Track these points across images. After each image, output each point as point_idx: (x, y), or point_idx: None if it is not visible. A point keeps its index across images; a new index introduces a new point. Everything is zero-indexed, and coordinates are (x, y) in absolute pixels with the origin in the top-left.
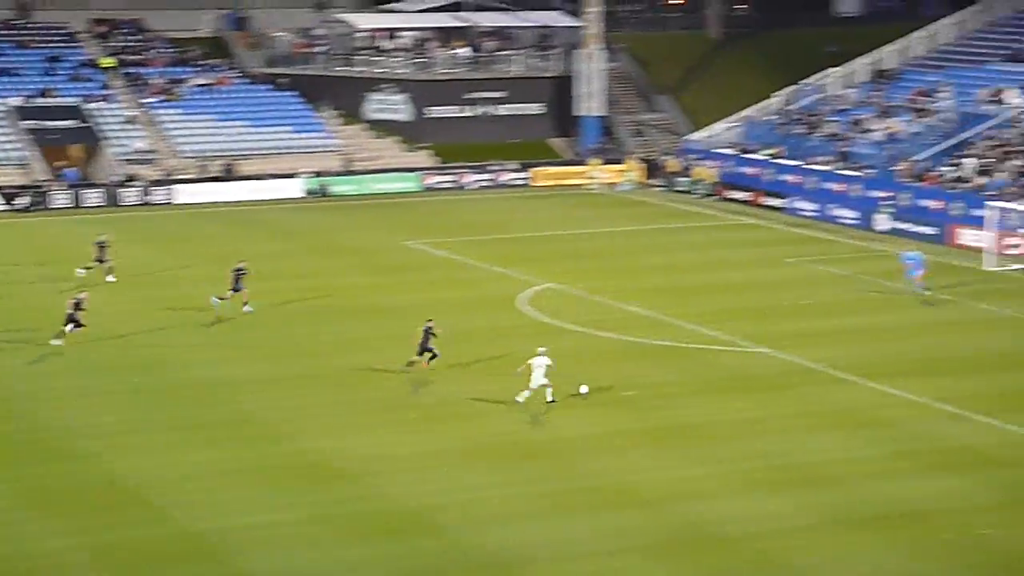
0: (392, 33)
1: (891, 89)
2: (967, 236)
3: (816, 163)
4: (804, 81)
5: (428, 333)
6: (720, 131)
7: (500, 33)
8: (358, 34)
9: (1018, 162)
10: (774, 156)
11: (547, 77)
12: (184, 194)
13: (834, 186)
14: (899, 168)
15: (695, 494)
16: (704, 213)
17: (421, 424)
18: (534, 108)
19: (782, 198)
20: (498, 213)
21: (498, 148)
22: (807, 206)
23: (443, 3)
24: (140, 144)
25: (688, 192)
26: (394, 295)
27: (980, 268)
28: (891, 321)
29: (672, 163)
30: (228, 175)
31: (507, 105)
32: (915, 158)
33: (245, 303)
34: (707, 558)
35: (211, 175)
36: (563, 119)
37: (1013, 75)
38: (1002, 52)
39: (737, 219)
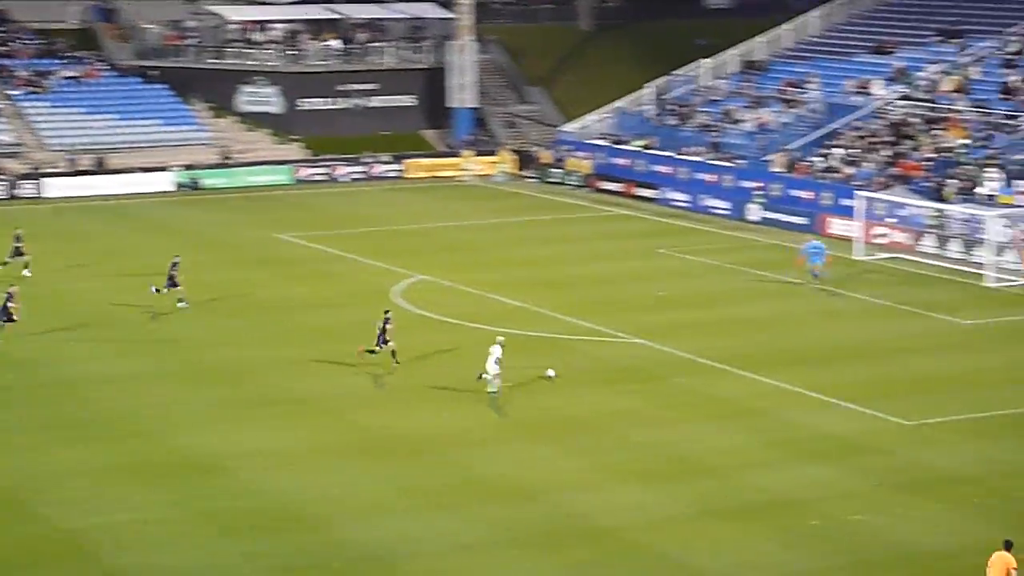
0: (263, 25)
1: (761, 80)
2: (837, 225)
3: (688, 154)
4: (675, 72)
5: (386, 323)
6: (592, 122)
7: (372, 25)
8: (229, 26)
9: (885, 152)
10: (646, 147)
11: (419, 69)
12: (53, 188)
13: (706, 176)
14: (772, 158)
15: (571, 486)
16: (577, 204)
17: (295, 419)
18: (406, 100)
19: (654, 189)
20: (371, 206)
21: (371, 140)
22: (679, 197)
23: None
24: (6, 137)
25: (561, 183)
26: (266, 289)
27: (850, 257)
28: (763, 311)
29: (545, 154)
30: (99, 168)
31: (379, 97)
32: (785, 148)
33: (180, 300)
34: (583, 550)
35: (81, 168)
36: (436, 111)
37: (878, 67)
38: (868, 44)
39: (610, 210)
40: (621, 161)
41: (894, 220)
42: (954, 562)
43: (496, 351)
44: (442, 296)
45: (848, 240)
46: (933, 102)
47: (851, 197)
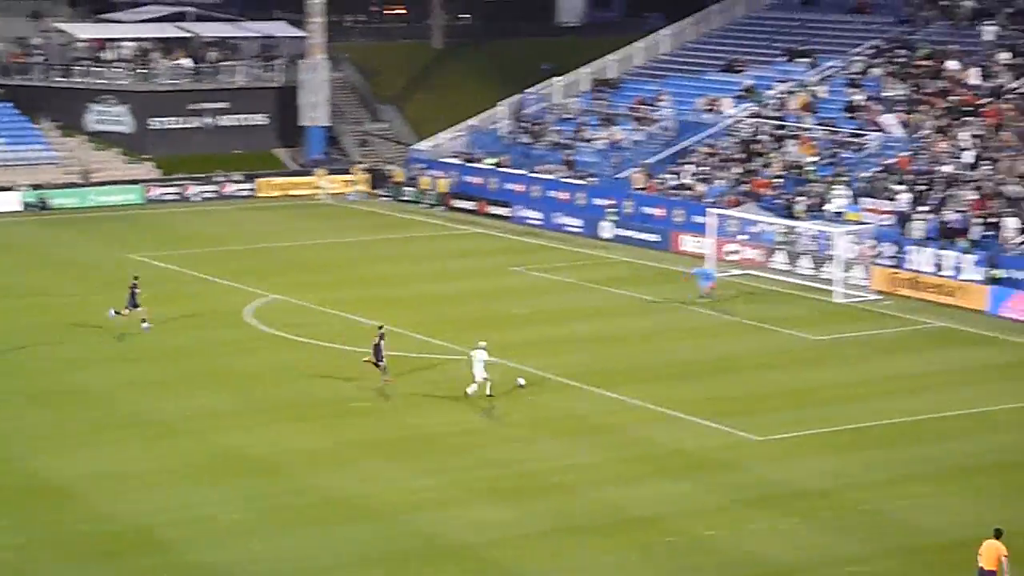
0: (113, 44)
1: (613, 98)
2: (689, 243)
3: (541, 172)
4: (528, 90)
5: (380, 339)
6: (445, 140)
7: (223, 43)
8: (78, 44)
9: (736, 170)
10: (499, 165)
11: (271, 87)
12: None
13: (559, 194)
14: (631, 175)
15: (427, 504)
16: (431, 223)
17: (146, 441)
18: (259, 119)
19: (508, 207)
20: (223, 225)
21: (223, 159)
22: (533, 215)
23: (164, 13)
24: None
25: (415, 202)
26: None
27: None
28: (615, 328)
29: (398, 173)
30: None
31: (231, 116)
32: (638, 166)
33: (144, 320)
34: (439, 568)
35: None
36: (288, 129)
37: (728, 85)
38: (718, 62)
39: (464, 228)
40: (474, 179)
41: (745, 237)
42: (808, 575)
43: (481, 355)
44: (295, 315)
45: (700, 257)
46: (782, 120)
47: (703, 214)
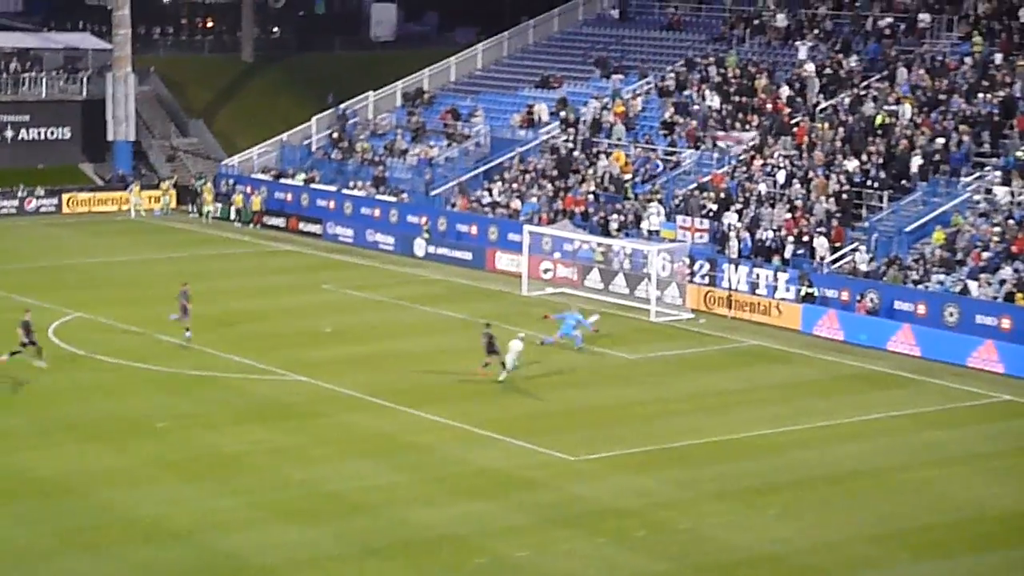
0: None
1: (426, 114)
2: (504, 261)
3: (353, 188)
4: (340, 105)
5: (490, 338)
6: (256, 156)
7: (24, 54)
8: None
9: (550, 187)
10: (310, 181)
11: (76, 100)
12: None
13: (371, 211)
14: (439, 192)
15: (229, 525)
16: (241, 239)
17: None
18: (63, 132)
19: (319, 223)
20: (25, 241)
21: (25, 174)
22: (345, 232)
23: None
24: None
25: (225, 218)
26: None
27: (517, 293)
28: (425, 346)
29: (208, 188)
30: None
31: (34, 129)
32: (451, 183)
33: (187, 329)
34: None
35: None
36: (94, 144)
37: (543, 100)
38: (532, 78)
39: (274, 245)
40: (285, 195)
41: (560, 255)
42: None
43: (517, 346)
44: (99, 333)
45: (515, 275)
46: (597, 136)
47: (517, 232)
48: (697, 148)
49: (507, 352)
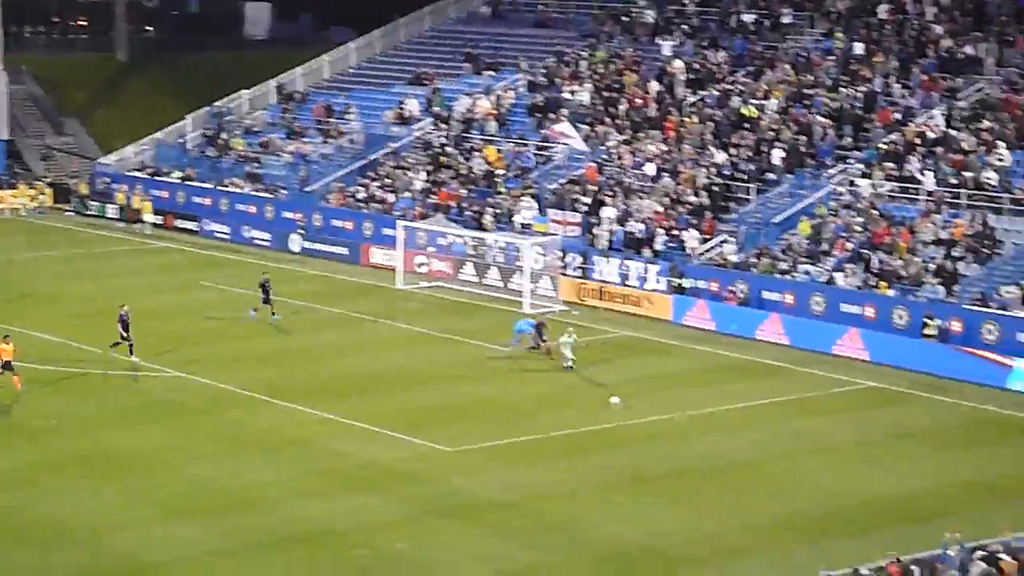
0: None
1: (300, 111)
2: (379, 256)
3: (228, 185)
4: (215, 103)
5: (540, 329)
6: (131, 154)
7: None
8: None
9: (424, 182)
10: (186, 179)
11: None
12: None
13: (247, 208)
14: (315, 189)
15: (118, 523)
16: (118, 238)
17: None
18: None
19: (196, 221)
20: None
21: None
22: (221, 228)
23: None
24: None
25: (101, 216)
26: None
27: (392, 287)
28: (307, 342)
29: (83, 187)
30: None
31: None
32: (327, 179)
33: (273, 312)
34: None
35: None
36: None
37: (416, 97)
38: (405, 75)
39: (151, 243)
40: (161, 193)
41: (434, 249)
42: None
43: (568, 340)
44: None
45: (390, 270)
46: (469, 132)
47: (392, 227)
48: (568, 143)
49: (561, 347)
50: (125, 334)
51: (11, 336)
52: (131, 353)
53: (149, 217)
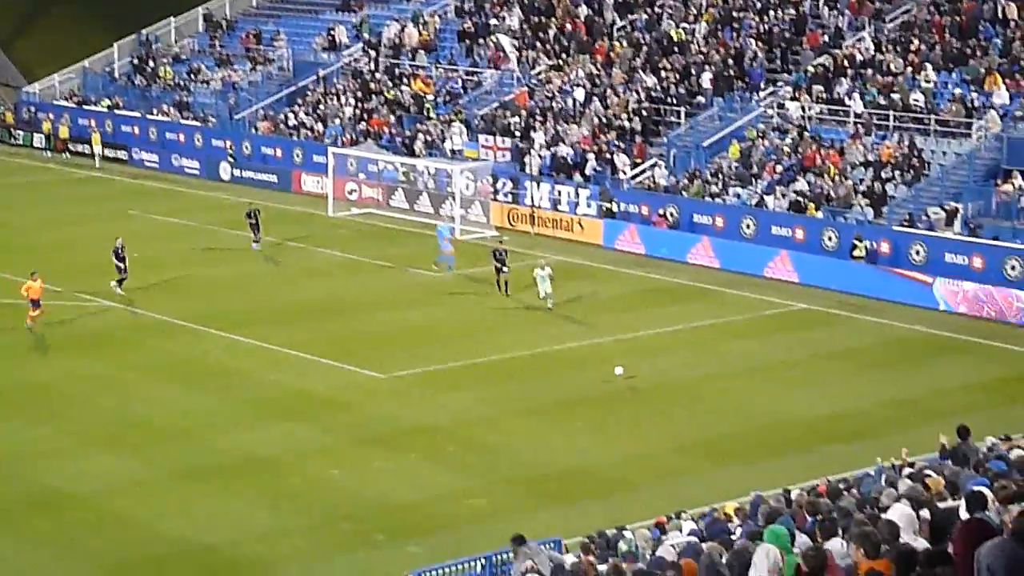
0: None
1: (227, 39)
2: (309, 183)
3: (157, 114)
4: (142, 31)
5: (499, 258)
6: (58, 83)
7: None
8: None
9: (354, 108)
10: (114, 107)
11: None
12: None
13: (176, 136)
14: (244, 117)
15: (41, 455)
16: (47, 167)
17: None
18: None
19: (124, 150)
20: None
21: None
22: (150, 157)
23: None
24: None
25: (27, 146)
26: None
27: (323, 214)
28: (236, 271)
29: (8, 116)
30: None
31: None
32: (256, 107)
33: (256, 241)
34: (57, 517)
35: None
36: None
37: (345, 23)
38: (334, 1)
39: (81, 172)
40: (89, 122)
41: (365, 176)
42: (428, 509)
43: (544, 273)
44: None
45: (321, 197)
46: (399, 58)
47: (322, 154)
48: (498, 68)
49: (536, 282)
50: (121, 266)
51: (38, 273)
52: (119, 285)
53: (98, 149)
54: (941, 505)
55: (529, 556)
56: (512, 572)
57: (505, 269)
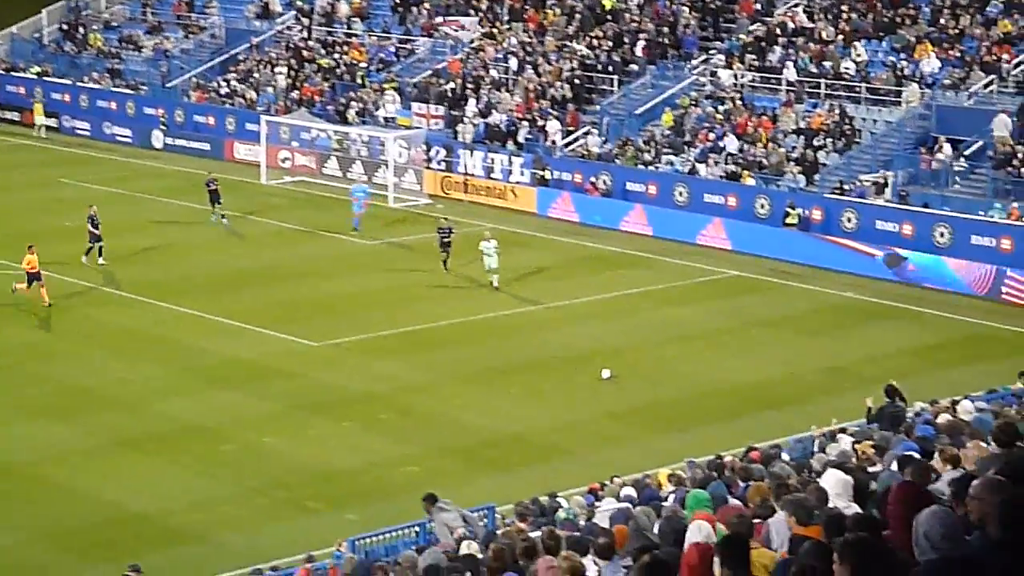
0: None
1: (159, 5)
2: (242, 151)
3: (88, 81)
4: None
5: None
6: None
7: None
8: None
9: (287, 76)
10: (43, 74)
11: None
12: None
13: (108, 104)
14: (176, 84)
15: None
16: None
17: None
18: None
19: (55, 117)
20: None
21: None
22: (81, 125)
23: None
24: None
25: None
26: None
27: (257, 182)
28: (168, 239)
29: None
30: None
31: None
32: (188, 74)
33: (216, 214)
34: None
35: None
36: None
37: None
38: None
39: (10, 140)
40: (18, 89)
41: (298, 144)
42: (364, 477)
43: (489, 246)
44: None
45: (254, 165)
46: (331, 26)
47: (255, 122)
48: (431, 36)
49: (483, 256)
50: (96, 233)
51: (35, 246)
52: (100, 254)
53: (41, 119)
54: (871, 470)
55: (444, 510)
56: (431, 528)
57: (449, 248)
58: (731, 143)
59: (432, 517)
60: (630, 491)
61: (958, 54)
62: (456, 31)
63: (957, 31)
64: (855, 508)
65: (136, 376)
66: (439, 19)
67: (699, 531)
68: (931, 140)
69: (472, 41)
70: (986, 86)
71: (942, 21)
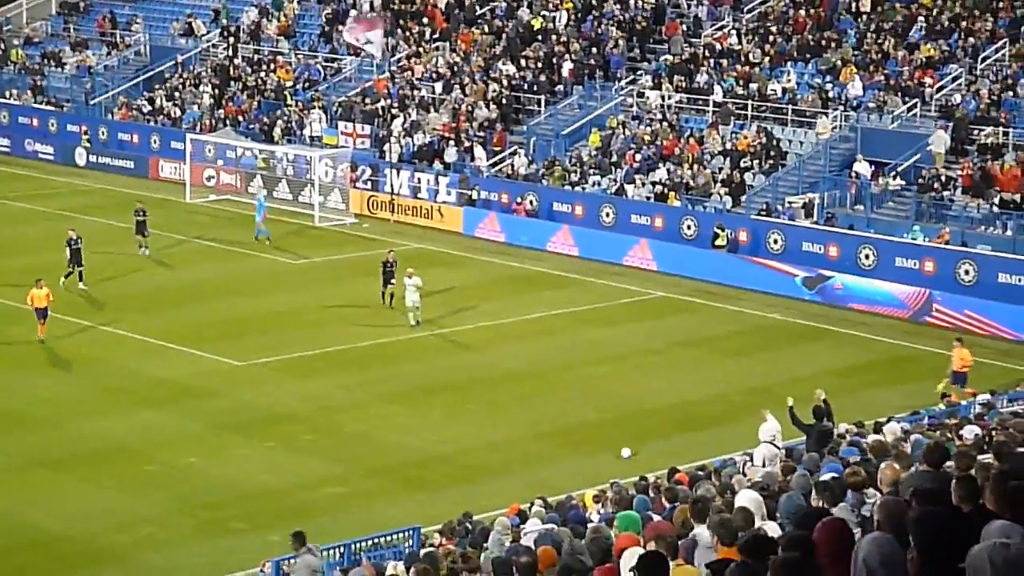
0: None
1: (83, 22)
2: (167, 169)
3: (10, 97)
4: None
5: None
6: None
7: None
8: None
9: (212, 94)
10: None
11: None
12: None
13: (29, 120)
14: (100, 101)
15: None
16: None
17: None
18: None
19: None
20: None
21: None
22: (2, 141)
23: None
24: None
25: None
26: None
27: (182, 200)
28: (92, 258)
29: None
30: None
31: None
32: (112, 92)
33: (143, 246)
34: None
35: None
36: None
37: (202, 9)
38: None
39: None
40: None
41: (223, 162)
42: (287, 498)
43: (411, 283)
44: None
45: (179, 183)
46: (258, 44)
47: (180, 140)
48: (358, 55)
49: (406, 294)
50: (76, 254)
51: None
52: (80, 279)
53: None
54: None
55: (312, 553)
56: (293, 565)
57: (392, 282)
58: (658, 164)
59: (297, 555)
60: (554, 513)
61: (882, 77)
62: (363, 43)
63: (881, 55)
64: (775, 527)
65: (58, 395)
66: (340, 26)
67: (633, 559)
68: (856, 162)
69: (384, 55)
70: (909, 109)
71: (865, 45)
